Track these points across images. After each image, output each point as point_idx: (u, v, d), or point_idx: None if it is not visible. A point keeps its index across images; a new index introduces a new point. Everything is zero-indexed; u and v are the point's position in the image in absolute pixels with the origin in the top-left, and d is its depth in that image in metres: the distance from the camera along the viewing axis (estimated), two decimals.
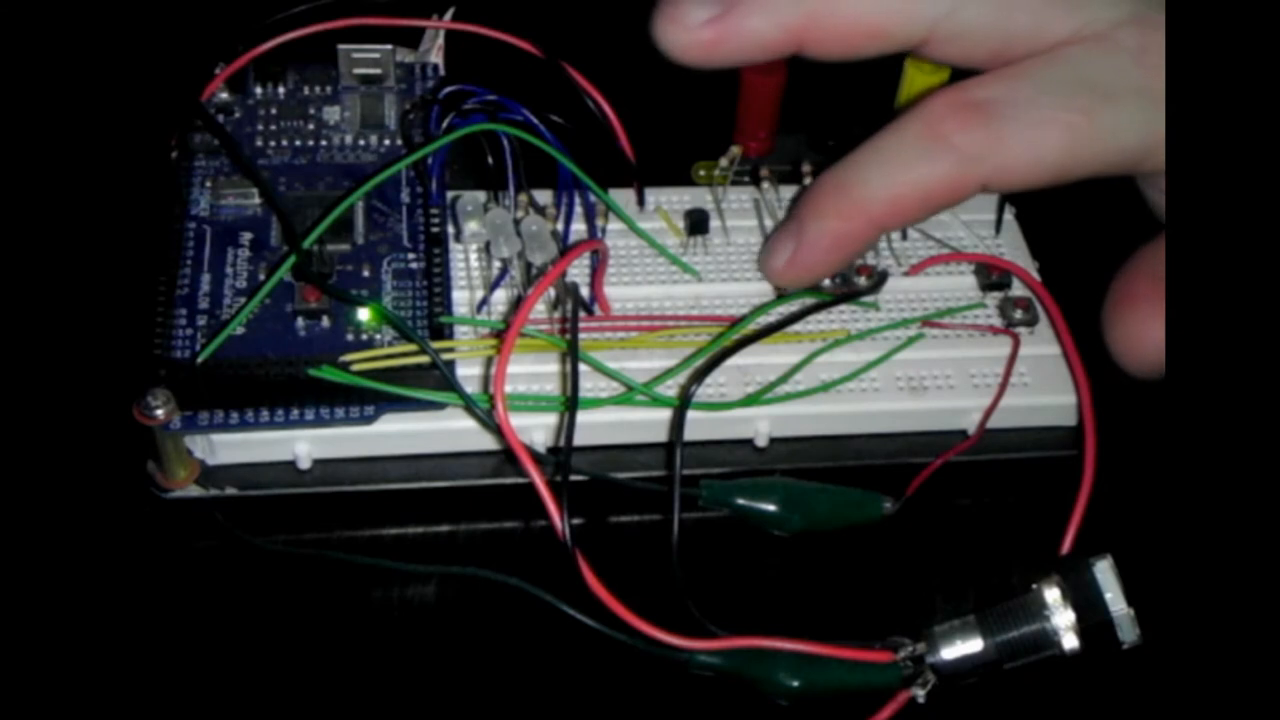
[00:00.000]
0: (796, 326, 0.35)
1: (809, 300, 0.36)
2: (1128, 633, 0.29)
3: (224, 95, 0.39)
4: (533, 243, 0.34)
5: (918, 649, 0.30)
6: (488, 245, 0.35)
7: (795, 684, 0.30)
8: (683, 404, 0.33)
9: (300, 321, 0.34)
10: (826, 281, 0.36)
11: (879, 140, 0.29)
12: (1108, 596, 0.29)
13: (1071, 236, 0.39)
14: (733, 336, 0.35)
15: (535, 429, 0.34)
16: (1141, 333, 0.28)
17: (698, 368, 0.34)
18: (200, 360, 0.33)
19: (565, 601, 0.31)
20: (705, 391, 0.34)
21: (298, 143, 0.38)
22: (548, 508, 0.30)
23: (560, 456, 0.32)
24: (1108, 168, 0.28)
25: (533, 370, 0.34)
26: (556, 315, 0.35)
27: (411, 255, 0.36)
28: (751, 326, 0.35)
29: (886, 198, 0.29)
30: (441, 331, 0.34)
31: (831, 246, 0.30)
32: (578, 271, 0.36)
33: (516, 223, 0.35)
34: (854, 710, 0.30)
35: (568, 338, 0.33)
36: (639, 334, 0.36)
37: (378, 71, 0.39)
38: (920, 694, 0.30)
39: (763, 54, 0.30)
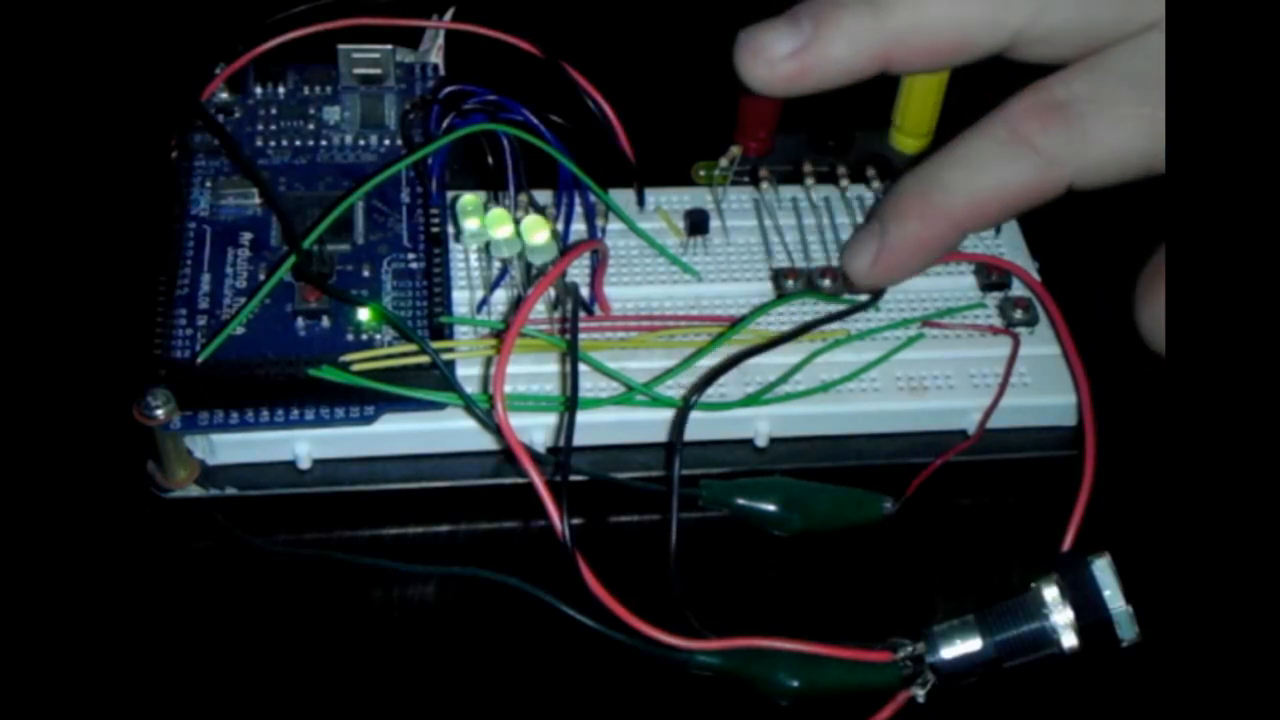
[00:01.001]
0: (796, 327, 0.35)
1: (808, 301, 0.36)
2: (1127, 630, 0.29)
3: (224, 95, 0.39)
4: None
5: (917, 649, 0.30)
6: (487, 245, 0.35)
7: (795, 684, 0.30)
8: (685, 408, 0.33)
9: (300, 321, 0.34)
10: (826, 282, 0.36)
11: (961, 144, 0.29)
12: (1106, 594, 0.29)
13: (1071, 236, 0.39)
14: (733, 337, 0.35)
15: (535, 429, 0.34)
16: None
17: (704, 375, 0.34)
18: (200, 360, 0.33)
19: (565, 601, 0.31)
20: (705, 391, 0.34)
21: (298, 143, 0.38)
22: (547, 508, 0.30)
23: (560, 456, 0.32)
24: None
25: (533, 370, 0.34)
26: (556, 315, 0.35)
27: (411, 255, 0.36)
28: (752, 328, 0.35)
29: (969, 202, 0.29)
30: (441, 331, 0.34)
31: (915, 250, 0.30)
32: (578, 271, 0.36)
33: (517, 223, 0.35)
34: (854, 710, 0.30)
35: (568, 338, 0.33)
36: (639, 334, 0.36)
37: (378, 71, 0.39)
38: (920, 694, 0.30)
39: (847, 79, 0.29)
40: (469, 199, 0.35)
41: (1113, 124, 0.28)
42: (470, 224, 0.34)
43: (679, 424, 0.33)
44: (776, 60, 0.29)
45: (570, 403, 0.32)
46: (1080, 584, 0.29)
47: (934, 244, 0.30)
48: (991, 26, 0.28)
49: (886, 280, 0.32)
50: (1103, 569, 0.29)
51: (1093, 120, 0.28)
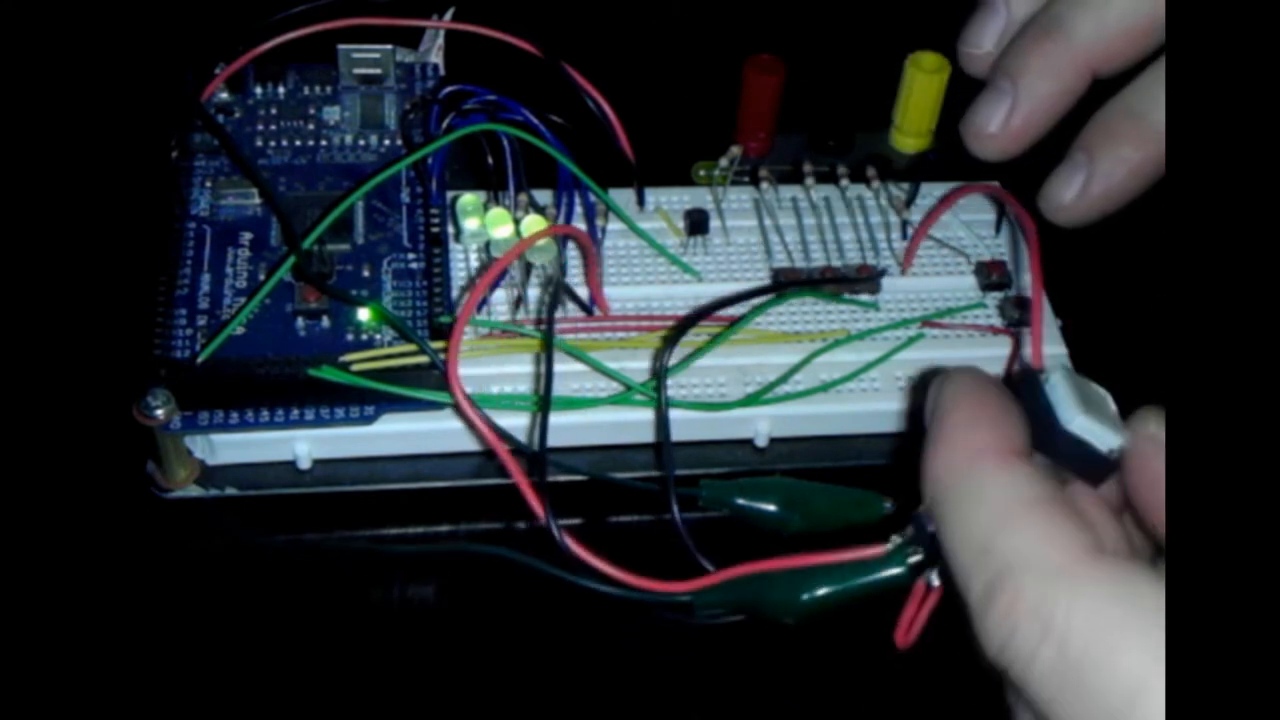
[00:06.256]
0: (796, 327, 0.35)
1: (808, 301, 0.36)
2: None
3: (224, 95, 0.39)
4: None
5: (908, 533, 0.28)
6: (487, 245, 0.35)
7: (804, 598, 0.29)
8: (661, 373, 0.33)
9: (300, 321, 0.34)
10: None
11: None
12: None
13: (1071, 236, 0.39)
14: (733, 337, 0.35)
15: (530, 429, 0.34)
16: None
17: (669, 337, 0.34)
18: (200, 360, 0.33)
19: (554, 566, 0.30)
20: (705, 391, 0.34)
21: (298, 143, 0.38)
22: (521, 487, 0.29)
23: (539, 435, 0.31)
24: None
25: (528, 370, 0.34)
26: (558, 315, 0.35)
27: (411, 255, 0.36)
28: (752, 327, 0.35)
29: (1098, 36, 0.29)
30: (441, 331, 0.34)
31: (1048, 102, 0.30)
32: (576, 272, 0.36)
33: (517, 222, 0.35)
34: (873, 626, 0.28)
35: (544, 329, 0.33)
36: (639, 334, 0.36)
37: (378, 71, 0.39)
38: (934, 578, 0.27)
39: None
40: (468, 199, 0.35)
41: None
42: (470, 224, 0.35)
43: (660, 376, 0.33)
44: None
45: (546, 376, 0.32)
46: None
47: (1067, 92, 0.29)
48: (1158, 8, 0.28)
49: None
50: (1056, 386, 0.26)
51: None
